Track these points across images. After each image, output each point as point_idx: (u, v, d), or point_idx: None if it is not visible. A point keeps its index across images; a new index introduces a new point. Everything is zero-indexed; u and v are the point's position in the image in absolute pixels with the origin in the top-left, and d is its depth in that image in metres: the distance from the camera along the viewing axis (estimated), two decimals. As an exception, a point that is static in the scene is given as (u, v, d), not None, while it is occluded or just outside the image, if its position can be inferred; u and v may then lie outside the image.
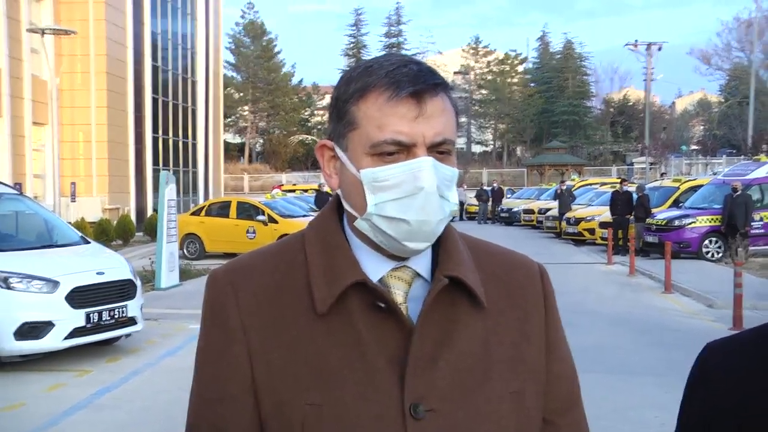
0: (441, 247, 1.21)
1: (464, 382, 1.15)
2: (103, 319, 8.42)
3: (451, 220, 1.21)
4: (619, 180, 25.35)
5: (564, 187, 27.00)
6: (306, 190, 32.23)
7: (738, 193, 17.28)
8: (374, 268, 1.18)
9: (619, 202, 20.18)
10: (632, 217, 19.67)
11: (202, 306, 1.24)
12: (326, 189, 24.14)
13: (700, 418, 1.17)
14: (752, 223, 17.38)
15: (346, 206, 1.20)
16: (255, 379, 1.15)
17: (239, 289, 1.18)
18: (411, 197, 1.12)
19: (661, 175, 39.69)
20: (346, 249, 1.18)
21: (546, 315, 1.27)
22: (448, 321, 1.17)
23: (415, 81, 1.13)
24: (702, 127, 71.72)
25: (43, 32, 20.18)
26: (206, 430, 1.18)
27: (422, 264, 1.20)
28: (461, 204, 38.48)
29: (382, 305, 1.14)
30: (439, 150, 1.14)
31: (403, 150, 1.12)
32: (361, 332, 1.13)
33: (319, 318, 1.14)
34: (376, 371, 1.12)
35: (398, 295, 1.17)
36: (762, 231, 17.82)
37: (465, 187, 41.38)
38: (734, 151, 53.36)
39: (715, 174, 27.66)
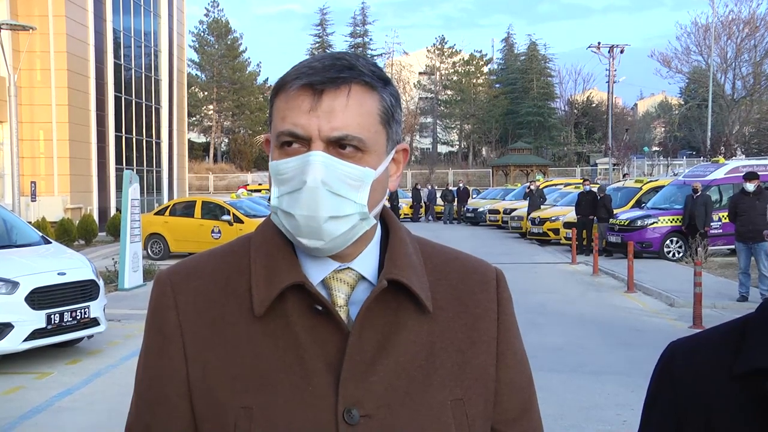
0: (387, 250, 1.18)
1: (403, 389, 1.12)
2: (65, 320, 8.29)
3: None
4: (581, 180, 25.63)
5: (534, 187, 27.14)
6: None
7: (698, 193, 17.54)
8: (316, 269, 1.16)
9: (583, 202, 20.39)
10: (595, 217, 19.91)
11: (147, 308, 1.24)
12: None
13: (665, 418, 1.18)
14: (712, 223, 17.65)
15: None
16: (190, 380, 1.13)
17: (179, 291, 1.17)
18: (298, 192, 1.10)
19: (624, 175, 40.20)
20: (288, 251, 1.16)
21: (499, 321, 1.22)
22: (390, 325, 1.14)
23: (316, 73, 1.10)
24: (663, 129, 72.82)
25: None
26: (140, 431, 1.18)
27: (367, 267, 1.17)
28: (426, 205, 38.49)
29: (320, 308, 1.12)
30: (341, 145, 1.10)
31: (304, 144, 1.10)
32: (298, 335, 1.11)
33: (257, 320, 1.12)
34: (312, 375, 1.10)
35: (340, 297, 1.15)
36: (721, 231, 18.10)
37: (430, 187, 41.27)
38: (694, 153, 54.29)
39: (675, 175, 28.09)
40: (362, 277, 1.17)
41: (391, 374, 1.12)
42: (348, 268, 1.16)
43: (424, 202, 38.33)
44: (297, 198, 1.10)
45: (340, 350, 1.11)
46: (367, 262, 1.18)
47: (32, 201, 24.04)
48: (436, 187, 41.07)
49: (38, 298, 8.07)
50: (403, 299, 1.15)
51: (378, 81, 1.14)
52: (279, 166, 1.12)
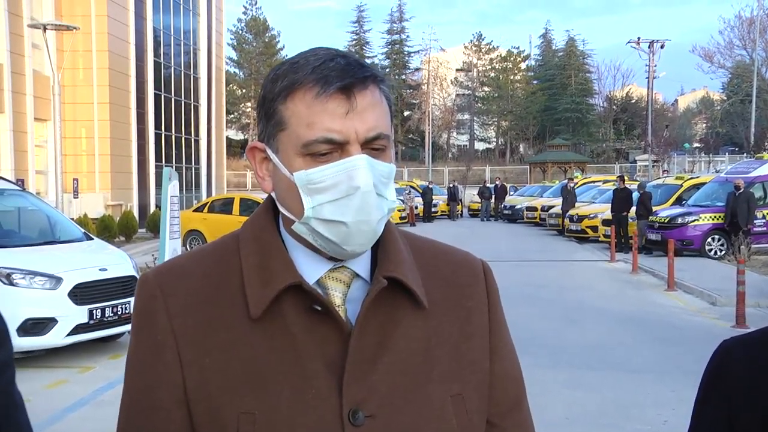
0: (380, 247, 1.15)
1: (404, 386, 1.10)
2: (106, 315, 8.43)
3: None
4: (617, 177, 25.36)
5: (571, 185, 26.96)
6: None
7: (741, 190, 17.25)
8: (311, 269, 1.13)
9: (617, 199, 20.21)
10: (630, 214, 19.69)
11: (132, 312, 1.18)
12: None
13: (718, 414, 1.17)
14: (755, 221, 17.36)
15: (282, 210, 1.14)
16: (186, 386, 1.09)
17: (169, 294, 1.12)
18: (348, 198, 1.06)
19: (663, 172, 39.64)
20: (282, 250, 1.13)
21: (489, 314, 1.21)
22: (387, 323, 1.12)
23: (343, 75, 1.07)
24: (704, 125, 71.68)
25: (44, 28, 20.11)
26: None
27: (361, 264, 1.15)
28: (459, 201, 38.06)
29: (319, 308, 1.09)
30: (373, 146, 1.09)
31: (336, 148, 1.07)
32: (296, 336, 1.08)
33: (253, 322, 1.09)
34: (313, 376, 1.07)
35: (336, 297, 1.12)
36: (764, 228, 17.79)
37: (453, 184, 40.04)
38: (737, 149, 53.30)
39: (717, 172, 27.62)
40: (356, 275, 1.15)
41: (391, 372, 1.10)
42: (343, 266, 1.14)
43: (460, 200, 38.09)
44: (347, 204, 1.07)
45: (340, 350, 1.09)
46: (361, 260, 1.15)
47: (74, 198, 24.42)
48: (457, 184, 40.09)
49: (81, 294, 8.21)
50: (399, 295, 1.13)
51: (382, 77, 1.14)
52: (314, 174, 1.07)
